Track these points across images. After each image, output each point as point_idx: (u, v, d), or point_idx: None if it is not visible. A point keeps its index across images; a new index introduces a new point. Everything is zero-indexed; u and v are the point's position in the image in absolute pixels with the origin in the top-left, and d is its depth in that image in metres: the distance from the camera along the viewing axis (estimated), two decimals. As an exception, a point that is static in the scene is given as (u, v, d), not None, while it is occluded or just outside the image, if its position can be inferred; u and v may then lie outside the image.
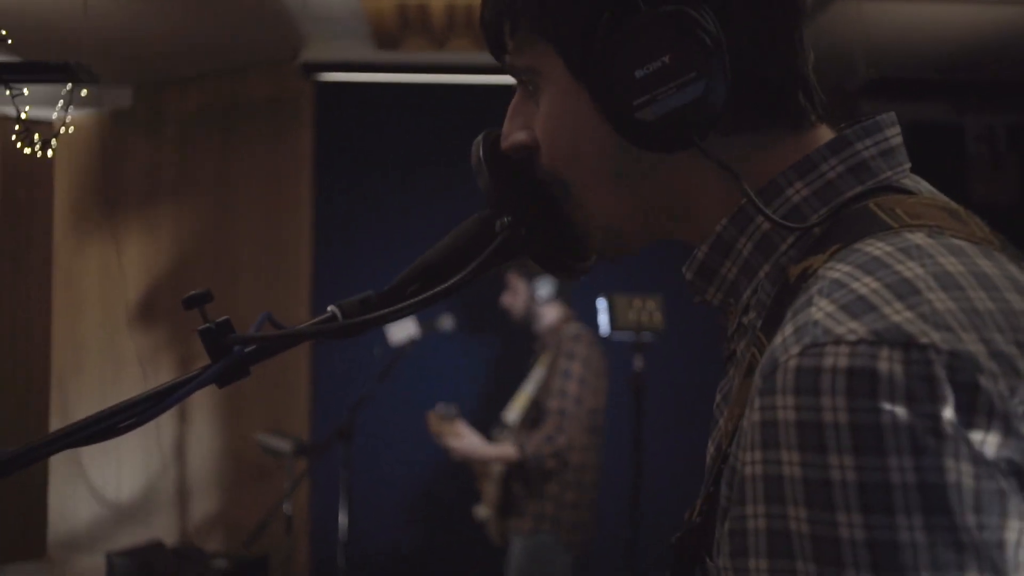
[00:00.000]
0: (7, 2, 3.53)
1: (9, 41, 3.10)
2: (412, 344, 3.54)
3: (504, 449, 3.17)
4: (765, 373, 0.54)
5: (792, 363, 0.52)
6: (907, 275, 0.54)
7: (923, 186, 0.69)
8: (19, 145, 2.46)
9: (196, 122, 4.51)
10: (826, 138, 0.69)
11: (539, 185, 0.76)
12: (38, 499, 4.64)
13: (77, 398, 4.63)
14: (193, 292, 0.82)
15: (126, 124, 4.57)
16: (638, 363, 3.07)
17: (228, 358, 0.81)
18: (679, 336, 3.51)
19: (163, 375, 4.48)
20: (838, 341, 0.51)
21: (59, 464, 4.62)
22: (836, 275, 0.56)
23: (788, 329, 0.55)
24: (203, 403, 4.44)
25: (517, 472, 3.16)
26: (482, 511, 3.29)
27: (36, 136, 2.68)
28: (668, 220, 0.73)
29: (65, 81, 3.25)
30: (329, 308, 0.90)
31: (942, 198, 0.67)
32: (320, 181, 4.39)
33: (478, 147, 0.82)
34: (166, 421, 4.46)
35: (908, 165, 0.69)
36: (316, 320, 0.89)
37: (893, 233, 0.59)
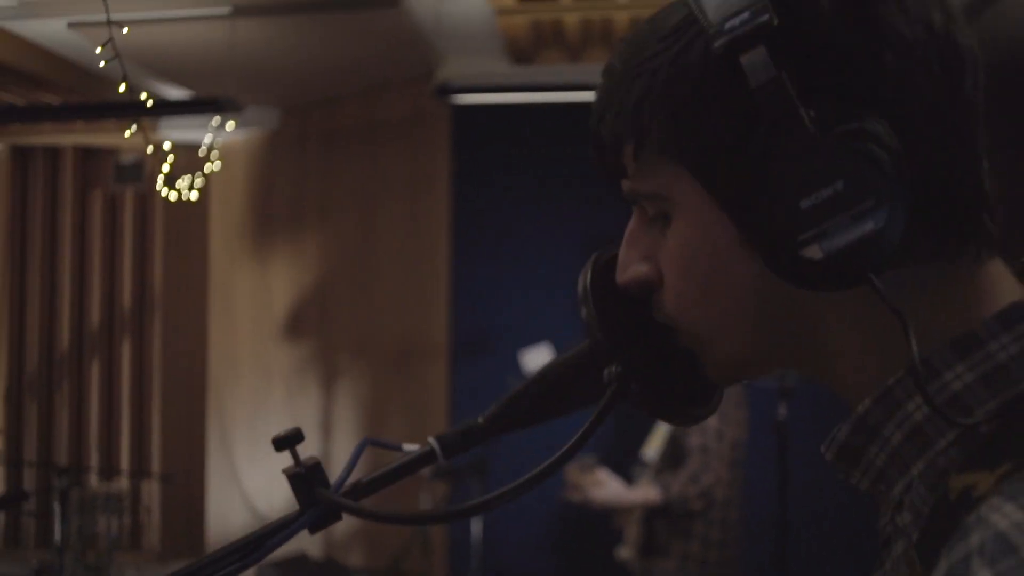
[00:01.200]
0: (161, 37, 3.70)
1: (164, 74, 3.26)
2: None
3: (648, 493, 3.05)
4: None
5: None
6: None
7: None
8: (164, 193, 2.55)
9: (339, 142, 4.61)
10: (1002, 277, 0.57)
11: (655, 326, 0.67)
12: (198, 503, 4.90)
13: (232, 407, 4.85)
14: (283, 432, 0.77)
15: (274, 146, 4.74)
16: (782, 411, 2.87)
17: (315, 510, 0.75)
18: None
19: (309, 388, 4.62)
20: None
21: (216, 472, 4.86)
22: (1003, 526, 0.45)
23: None
24: (345, 416, 4.55)
25: (661, 512, 3.05)
26: (624, 552, 3.18)
27: (180, 181, 2.77)
28: (801, 359, 0.62)
29: (212, 113, 3.39)
30: (429, 440, 0.85)
31: None
32: (458, 198, 4.40)
33: (585, 275, 0.73)
34: (310, 434, 4.59)
35: None
36: (415, 455, 0.84)
37: None
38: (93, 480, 4.93)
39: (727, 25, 0.53)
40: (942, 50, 0.54)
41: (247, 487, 4.75)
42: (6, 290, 5.00)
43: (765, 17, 0.52)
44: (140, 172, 4.87)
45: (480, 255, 4.35)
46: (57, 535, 4.29)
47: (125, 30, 1.75)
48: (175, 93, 4.34)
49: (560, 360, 0.80)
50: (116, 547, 4.85)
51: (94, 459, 4.99)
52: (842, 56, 0.53)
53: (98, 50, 1.76)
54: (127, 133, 1.97)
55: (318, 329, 4.65)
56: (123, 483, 4.94)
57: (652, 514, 3.06)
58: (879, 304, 0.55)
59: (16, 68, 3.72)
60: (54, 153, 5.05)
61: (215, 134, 3.00)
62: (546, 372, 0.81)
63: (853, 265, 0.52)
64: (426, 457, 0.83)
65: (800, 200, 0.52)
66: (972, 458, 0.51)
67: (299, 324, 4.69)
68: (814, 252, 0.53)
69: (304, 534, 0.76)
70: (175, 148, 4.64)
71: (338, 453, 4.55)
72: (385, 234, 4.54)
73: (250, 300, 4.85)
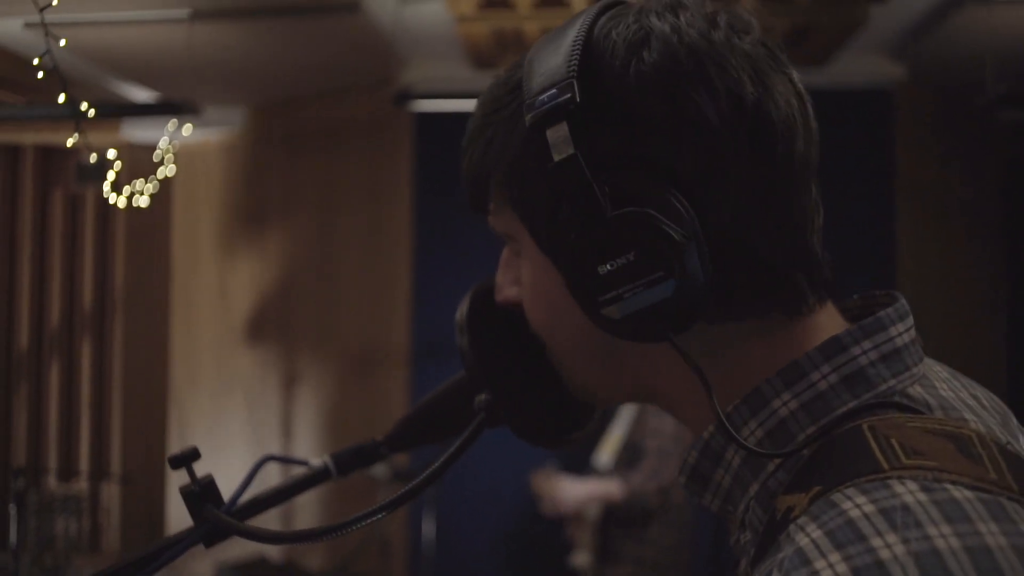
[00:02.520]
0: (123, 38, 3.69)
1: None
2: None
3: (608, 487, 3.07)
4: None
5: None
6: (883, 555, 0.45)
7: (935, 392, 0.59)
8: (112, 200, 2.55)
9: (301, 144, 4.61)
10: (828, 325, 0.61)
11: (532, 347, 0.70)
12: (158, 505, 4.88)
13: (193, 409, 4.84)
14: (177, 452, 0.81)
15: (236, 147, 4.73)
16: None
17: (204, 526, 0.78)
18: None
19: (269, 390, 4.62)
20: None
21: (175, 477, 4.84)
22: (803, 543, 0.49)
23: None
24: (307, 419, 4.55)
25: (615, 515, 3.07)
26: (578, 558, 3.20)
27: (131, 186, 2.77)
28: (652, 397, 0.67)
29: (169, 115, 3.39)
30: (324, 458, 0.89)
31: (954, 417, 0.57)
32: (419, 203, 4.41)
33: (463, 306, 0.77)
34: (271, 435, 4.59)
35: (917, 367, 0.60)
36: (306, 474, 0.88)
37: (880, 482, 0.49)
38: (51, 482, 4.90)
39: (537, 100, 0.57)
40: (752, 123, 0.56)
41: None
42: (-36, 289, 4.96)
43: (567, 96, 0.56)
44: (102, 172, 4.84)
45: (441, 261, 4.37)
46: (13, 537, 4.27)
47: (63, 42, 1.75)
48: (138, 93, 4.32)
49: (444, 387, 0.85)
50: (74, 549, 4.84)
51: (52, 460, 4.96)
52: (642, 134, 0.57)
53: (35, 61, 1.77)
54: (69, 142, 1.97)
55: (279, 331, 4.65)
56: (82, 485, 4.91)
57: (607, 519, 3.08)
58: (707, 342, 0.60)
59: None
60: (14, 151, 5.01)
61: (170, 138, 3.00)
62: (432, 398, 0.86)
63: (651, 326, 0.57)
64: (321, 474, 0.88)
65: (597, 266, 0.56)
66: (794, 480, 0.55)
67: (260, 326, 4.69)
68: (613, 312, 0.57)
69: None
70: (136, 148, 4.62)
71: (300, 455, 4.55)
72: (347, 238, 4.54)
73: (212, 302, 4.84)
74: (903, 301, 0.63)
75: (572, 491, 3.11)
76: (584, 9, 0.64)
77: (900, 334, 0.60)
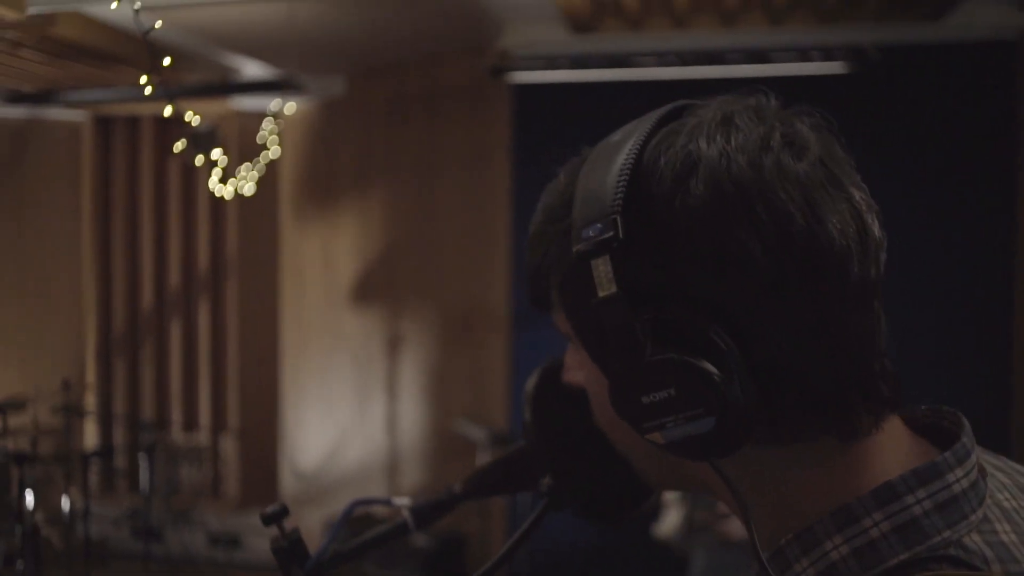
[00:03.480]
0: (231, 14, 3.79)
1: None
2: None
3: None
4: None
5: None
6: None
7: (995, 539, 0.57)
8: (220, 192, 2.66)
9: (401, 110, 4.67)
10: (887, 448, 0.60)
11: (591, 426, 0.73)
12: (271, 456, 5.15)
13: (303, 367, 5.06)
14: (269, 509, 0.86)
15: (339, 113, 4.83)
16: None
17: None
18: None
19: (374, 351, 4.77)
20: None
21: (289, 427, 5.09)
22: None
23: None
24: (410, 379, 4.69)
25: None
26: (663, 529, 3.24)
27: (233, 178, 2.88)
28: (709, 494, 0.68)
29: (274, 92, 3.49)
30: (404, 512, 0.93)
31: (1013, 572, 0.56)
32: (518, 169, 4.42)
33: (531, 380, 0.79)
34: (378, 396, 4.76)
35: (976, 513, 0.58)
36: (387, 529, 0.92)
37: None
38: (176, 434, 5.23)
39: (583, 233, 0.58)
40: (800, 256, 0.56)
41: (317, 442, 4.98)
42: (92, 254, 5.28)
43: (611, 234, 0.57)
44: (214, 140, 5.03)
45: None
46: (144, 484, 4.60)
47: (158, 23, 1.83)
48: (246, 65, 4.45)
49: (517, 448, 0.88)
50: (199, 495, 5.18)
51: (176, 414, 5.29)
52: (686, 269, 0.57)
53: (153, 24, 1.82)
54: (170, 112, 2.06)
55: (383, 293, 4.78)
56: (203, 437, 5.23)
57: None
58: (759, 464, 0.61)
59: (92, 47, 3.89)
60: (134, 122, 5.26)
61: (274, 117, 3.09)
62: (506, 457, 0.89)
63: (695, 451, 0.58)
64: (400, 528, 0.92)
65: (641, 396, 0.57)
66: None
67: (365, 289, 4.83)
68: (656, 438, 0.58)
69: None
70: (244, 117, 4.76)
71: (404, 413, 4.71)
72: (447, 203, 4.60)
73: (318, 265, 5.01)
74: (967, 435, 0.61)
75: None
76: (645, 117, 0.63)
77: (959, 480, 0.58)
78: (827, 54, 3.60)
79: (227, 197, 2.82)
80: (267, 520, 0.85)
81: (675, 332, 0.57)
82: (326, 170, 4.93)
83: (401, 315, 4.74)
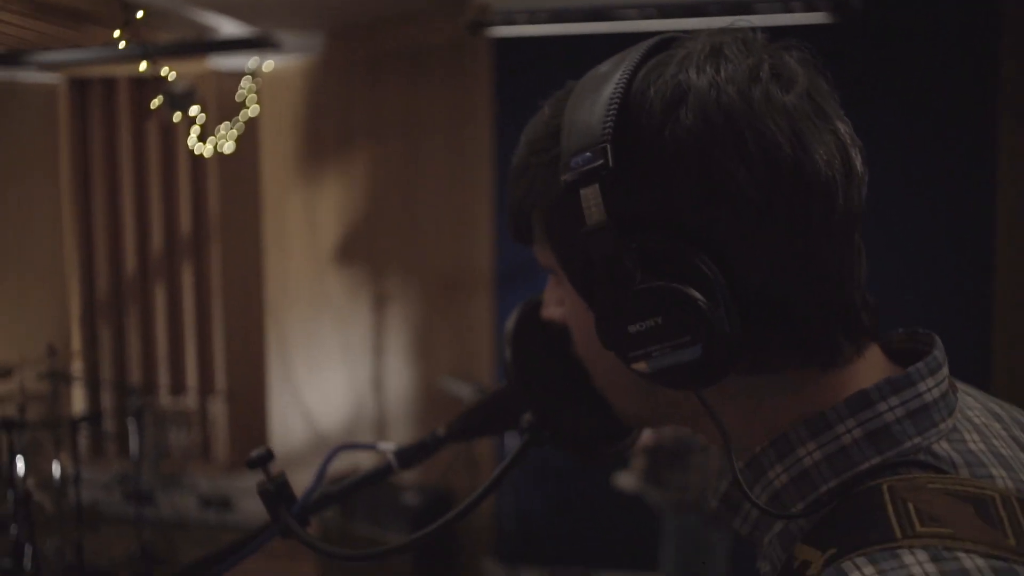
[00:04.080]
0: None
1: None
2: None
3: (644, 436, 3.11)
4: None
5: None
6: None
7: (963, 447, 0.58)
8: (199, 150, 2.62)
9: (383, 68, 4.62)
10: (865, 374, 0.61)
11: (573, 360, 0.73)
12: (260, 418, 5.17)
13: (289, 328, 5.06)
14: (255, 453, 0.86)
15: (320, 72, 4.77)
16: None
17: (277, 526, 0.85)
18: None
19: (359, 311, 4.77)
20: None
21: (276, 389, 5.10)
22: None
23: None
24: (395, 339, 4.70)
25: (664, 446, 3.11)
26: (625, 480, 3.27)
27: (212, 136, 2.84)
28: (691, 427, 0.69)
29: (251, 50, 3.43)
30: (388, 455, 0.95)
31: (980, 475, 0.57)
32: (501, 128, 4.39)
33: (511, 321, 0.80)
34: (363, 355, 4.78)
35: (946, 422, 0.60)
36: (371, 471, 0.94)
37: (890, 552, 0.50)
38: (163, 398, 5.24)
39: (572, 161, 0.58)
40: (788, 186, 0.56)
41: (305, 402, 5.00)
42: (73, 218, 5.22)
43: (600, 162, 0.56)
44: (191, 100, 4.97)
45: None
46: (134, 447, 4.61)
47: None
48: (223, 23, 4.38)
49: (498, 390, 0.90)
50: (188, 458, 5.20)
51: (163, 378, 5.28)
52: (675, 199, 0.57)
53: None
54: (143, 68, 2.03)
55: (367, 254, 4.77)
56: (190, 400, 5.24)
57: (656, 448, 3.13)
58: (741, 392, 0.62)
59: (63, 5, 3.81)
60: (110, 84, 5.17)
61: (252, 75, 3.04)
62: (490, 398, 0.90)
63: (680, 379, 0.58)
64: (385, 470, 0.94)
65: (627, 325, 0.58)
66: (813, 532, 0.57)
67: (349, 250, 4.81)
68: (642, 367, 0.59)
69: None
70: (222, 76, 4.70)
71: (390, 372, 4.73)
72: (430, 162, 4.57)
73: (302, 225, 4.98)
74: (939, 350, 0.62)
75: None
76: (633, 47, 0.63)
77: (930, 389, 0.59)
78: (809, 4, 3.57)
79: (206, 155, 2.78)
80: (252, 464, 0.86)
81: (663, 261, 0.57)
82: (307, 130, 4.88)
83: (385, 275, 4.74)
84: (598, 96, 0.60)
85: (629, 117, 0.58)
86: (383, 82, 4.64)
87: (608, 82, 0.60)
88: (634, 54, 0.62)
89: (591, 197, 0.57)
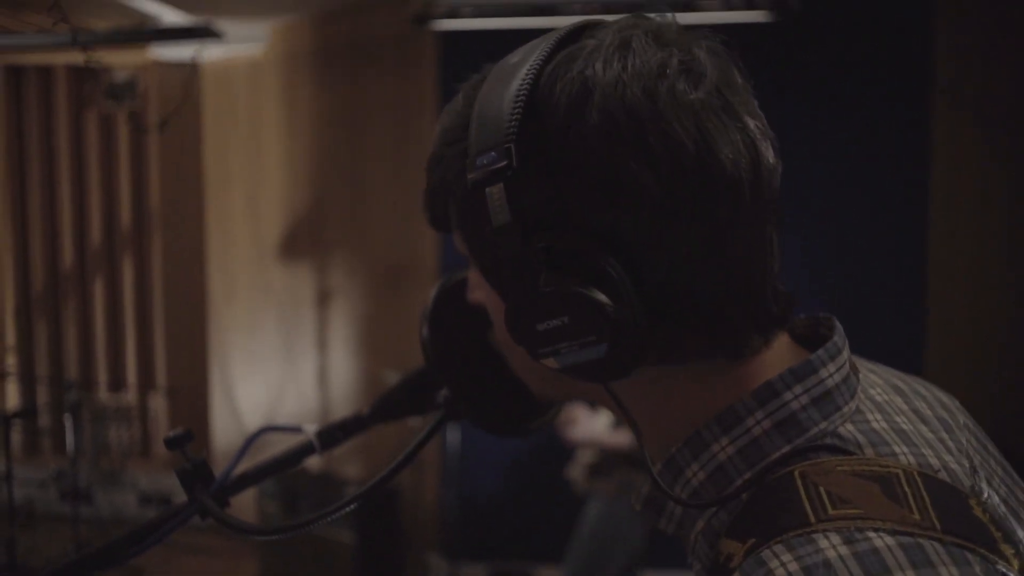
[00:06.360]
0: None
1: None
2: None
3: (620, 439, 3.13)
4: None
5: None
6: None
7: (867, 427, 0.60)
8: (132, 130, 2.57)
9: (327, 60, 4.58)
10: (774, 363, 0.62)
11: (486, 343, 0.74)
12: (202, 414, 5.09)
13: (230, 324, 4.99)
14: (173, 433, 0.85)
15: (264, 63, 4.71)
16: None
17: (194, 506, 0.84)
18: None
19: (303, 305, 4.73)
20: None
21: (218, 385, 5.03)
22: None
23: None
24: (340, 333, 4.67)
25: (617, 453, 3.14)
26: (573, 471, 3.29)
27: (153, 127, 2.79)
28: (607, 407, 0.70)
29: (193, 39, 3.38)
30: (310, 435, 0.94)
31: (884, 453, 0.58)
32: (445, 117, 4.38)
33: (430, 300, 0.81)
34: (308, 350, 4.73)
35: (849, 405, 0.61)
36: (292, 450, 0.93)
37: (805, 537, 0.52)
38: (102, 393, 5.13)
39: (478, 160, 0.58)
40: (693, 184, 0.56)
41: (248, 397, 4.93)
42: (8, 209, 5.09)
43: (504, 163, 0.56)
44: (132, 90, 4.87)
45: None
46: (70, 444, 4.51)
47: None
48: (165, 12, 4.30)
49: (418, 369, 0.90)
50: (127, 454, 5.10)
51: (102, 373, 5.18)
52: (579, 198, 0.57)
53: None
54: (79, 55, 1.98)
55: (311, 246, 4.73)
56: (130, 396, 5.14)
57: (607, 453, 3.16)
58: (652, 382, 0.63)
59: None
60: (47, 72, 5.05)
61: (193, 63, 3.00)
62: (411, 376, 0.91)
63: (588, 374, 0.59)
64: (305, 450, 0.93)
65: (535, 324, 0.58)
66: (733, 525, 0.58)
67: (293, 241, 4.77)
68: (551, 363, 0.60)
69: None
70: (164, 67, 4.62)
71: (334, 365, 4.70)
72: (375, 154, 4.55)
73: (245, 217, 4.92)
74: (839, 335, 0.64)
75: (590, 425, 3.18)
76: (545, 36, 0.62)
77: (831, 375, 0.61)
78: (750, 3, 3.62)
79: (147, 146, 2.74)
80: (170, 444, 0.85)
81: (568, 261, 0.57)
82: (251, 121, 4.82)
83: (330, 268, 4.70)
84: (505, 91, 0.59)
85: (535, 115, 0.58)
86: (328, 74, 4.60)
87: (516, 76, 0.60)
88: (544, 45, 0.61)
89: (496, 197, 0.57)
